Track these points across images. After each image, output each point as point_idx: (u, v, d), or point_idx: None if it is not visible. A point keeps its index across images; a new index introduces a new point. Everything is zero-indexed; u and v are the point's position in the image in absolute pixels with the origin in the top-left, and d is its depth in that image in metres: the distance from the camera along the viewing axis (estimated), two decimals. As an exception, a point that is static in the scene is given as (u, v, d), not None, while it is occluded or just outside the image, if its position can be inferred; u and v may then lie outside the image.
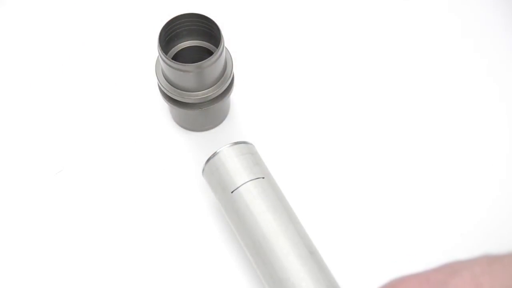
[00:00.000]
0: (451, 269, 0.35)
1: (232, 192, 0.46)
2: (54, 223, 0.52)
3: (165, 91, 0.51)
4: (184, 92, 0.50)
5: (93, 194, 0.53)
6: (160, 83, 0.51)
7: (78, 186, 0.53)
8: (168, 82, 0.50)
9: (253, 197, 0.46)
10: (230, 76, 0.51)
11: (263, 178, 0.47)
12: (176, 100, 0.51)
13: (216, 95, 0.51)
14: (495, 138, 0.55)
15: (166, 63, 0.48)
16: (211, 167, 0.48)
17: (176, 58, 0.52)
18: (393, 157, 0.55)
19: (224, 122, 0.56)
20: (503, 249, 0.36)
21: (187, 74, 0.48)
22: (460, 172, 0.54)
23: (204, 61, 0.48)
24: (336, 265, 0.46)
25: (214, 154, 0.48)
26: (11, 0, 0.63)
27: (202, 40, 0.52)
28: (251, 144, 0.49)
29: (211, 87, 0.50)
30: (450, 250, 0.49)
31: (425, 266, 0.37)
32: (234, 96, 0.55)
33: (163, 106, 0.56)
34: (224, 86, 0.51)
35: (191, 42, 0.52)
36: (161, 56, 0.48)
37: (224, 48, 0.50)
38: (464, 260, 0.35)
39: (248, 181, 0.46)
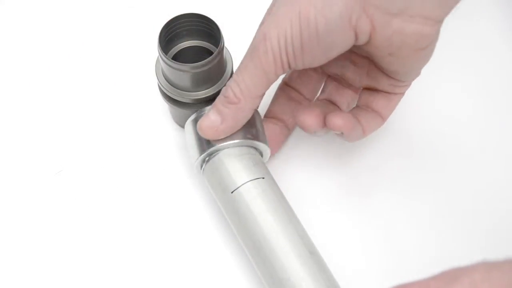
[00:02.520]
0: (451, 276, 0.35)
1: (232, 192, 0.46)
2: (54, 223, 0.52)
3: (165, 91, 0.51)
4: (184, 92, 0.50)
5: (93, 194, 0.53)
6: (160, 83, 0.51)
7: (78, 186, 0.53)
8: (168, 82, 0.50)
9: (253, 197, 0.46)
10: (230, 76, 0.51)
11: (263, 178, 0.47)
12: (176, 100, 0.51)
13: (216, 95, 0.51)
14: (497, 140, 0.56)
15: (166, 63, 0.48)
16: (211, 166, 0.48)
17: (176, 58, 0.51)
18: (394, 157, 0.54)
19: (224, 122, 0.56)
20: (501, 255, 0.36)
21: (187, 74, 0.48)
22: (458, 176, 0.54)
23: (204, 61, 0.48)
24: (336, 265, 0.46)
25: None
26: (10, 0, 0.63)
27: (202, 40, 0.52)
28: (251, 144, 0.49)
29: (211, 87, 0.50)
30: (448, 256, 0.49)
31: (425, 269, 0.37)
32: (234, 96, 0.55)
33: (163, 106, 0.56)
34: (224, 86, 0.51)
35: (191, 42, 0.52)
36: (161, 56, 0.48)
37: (224, 48, 0.50)
38: (463, 267, 0.35)
39: (248, 181, 0.46)
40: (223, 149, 0.47)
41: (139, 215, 0.52)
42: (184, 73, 0.48)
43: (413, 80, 0.48)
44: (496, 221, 0.51)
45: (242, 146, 0.47)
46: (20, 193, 0.53)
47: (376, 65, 0.47)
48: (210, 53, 0.52)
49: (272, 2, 0.45)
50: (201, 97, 0.50)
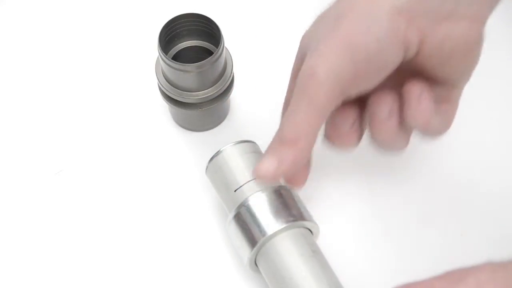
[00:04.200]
0: (456, 276, 0.35)
1: (235, 191, 0.46)
2: (54, 223, 0.52)
3: (165, 91, 0.51)
4: (184, 92, 0.50)
5: (93, 194, 0.53)
6: (160, 83, 0.51)
7: (78, 186, 0.53)
8: (168, 82, 0.50)
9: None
10: (230, 76, 0.52)
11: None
12: (176, 100, 0.51)
13: (216, 95, 0.51)
14: (494, 138, 0.56)
15: (166, 63, 0.48)
16: (214, 165, 0.48)
17: (176, 58, 0.52)
18: (394, 156, 0.54)
19: (224, 122, 0.56)
20: (506, 255, 0.36)
21: (187, 74, 0.48)
22: (460, 175, 0.54)
23: (204, 61, 0.48)
24: (339, 264, 0.46)
25: (218, 153, 0.48)
26: (11, 0, 0.63)
27: (202, 40, 0.52)
28: (254, 143, 0.49)
29: (211, 87, 0.50)
30: (453, 256, 0.49)
31: (428, 270, 0.37)
32: (234, 96, 0.55)
33: (163, 106, 0.56)
34: (224, 86, 0.51)
35: (191, 42, 0.52)
36: (161, 56, 0.48)
37: (224, 48, 0.50)
38: (468, 267, 0.35)
39: (251, 180, 0.46)
40: (273, 238, 0.44)
41: (139, 215, 0.52)
42: (184, 73, 0.48)
43: (464, 85, 0.46)
44: (501, 222, 0.51)
45: (290, 229, 0.45)
46: (20, 192, 0.53)
47: (427, 77, 0.44)
48: (210, 53, 0.52)
49: (309, 34, 0.44)
50: (201, 97, 0.50)
